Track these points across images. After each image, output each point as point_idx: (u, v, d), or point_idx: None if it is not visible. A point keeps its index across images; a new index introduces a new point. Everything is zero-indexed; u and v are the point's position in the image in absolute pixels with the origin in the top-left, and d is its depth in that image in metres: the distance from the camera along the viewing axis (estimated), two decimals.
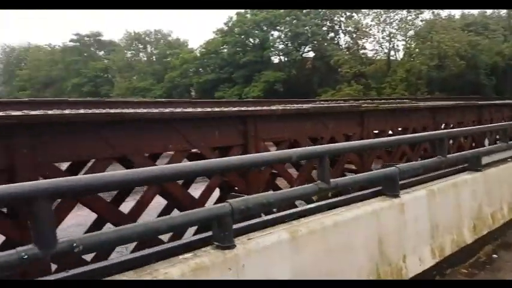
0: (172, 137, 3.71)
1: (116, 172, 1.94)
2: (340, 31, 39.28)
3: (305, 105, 5.34)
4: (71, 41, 53.56)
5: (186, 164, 2.23)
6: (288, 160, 2.33)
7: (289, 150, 2.45)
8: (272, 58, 40.58)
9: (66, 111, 3.14)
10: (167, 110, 3.68)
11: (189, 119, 3.78)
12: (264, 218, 2.50)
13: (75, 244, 1.60)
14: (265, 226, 2.55)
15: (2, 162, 2.73)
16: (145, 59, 50.45)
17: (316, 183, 2.56)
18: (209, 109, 4.04)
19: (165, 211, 4.61)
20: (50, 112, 2.97)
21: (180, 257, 2.12)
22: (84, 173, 3.29)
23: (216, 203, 4.82)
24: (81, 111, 3.24)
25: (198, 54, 42.89)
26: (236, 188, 4.52)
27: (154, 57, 49.36)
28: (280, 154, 2.48)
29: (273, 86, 36.27)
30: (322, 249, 2.70)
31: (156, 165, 3.71)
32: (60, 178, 1.62)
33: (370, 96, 31.57)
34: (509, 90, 36.40)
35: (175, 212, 4.26)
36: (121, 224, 3.31)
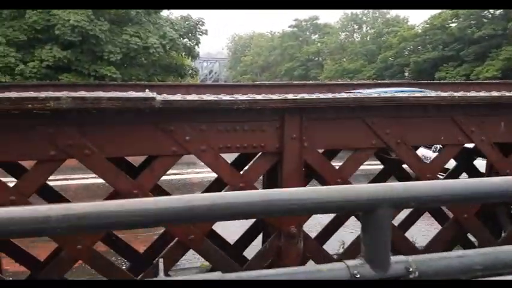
0: (445, 127, 3.02)
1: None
2: None
3: None
4: (290, 26, 57.75)
5: None
6: None
7: None
8: None
9: (329, 95, 2.88)
10: (446, 94, 2.99)
11: (467, 106, 2.99)
12: None
13: (410, 269, 1.19)
14: None
15: (274, 145, 2.69)
16: (358, 39, 49.68)
17: None
18: (497, 93, 3.11)
19: None
20: (321, 96, 2.75)
21: None
22: (342, 164, 2.99)
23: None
24: (345, 95, 2.93)
25: (419, 31, 39.06)
26: None
27: (368, 37, 47.96)
28: None
29: None
30: None
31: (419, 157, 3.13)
32: (406, 183, 1.23)
33: None
34: None
35: None
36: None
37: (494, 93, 3.05)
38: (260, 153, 2.73)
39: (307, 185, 3.31)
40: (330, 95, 2.75)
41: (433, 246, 3.09)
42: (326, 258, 3.03)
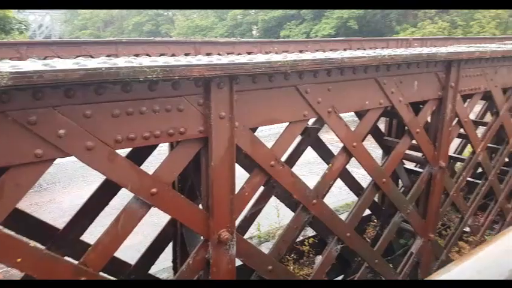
0: (370, 90, 2.74)
1: None
2: None
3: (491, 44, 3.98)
4: None
5: None
6: None
7: None
8: None
9: (261, 57, 2.22)
10: (373, 53, 2.65)
11: (391, 65, 2.75)
12: None
13: None
14: None
15: (196, 128, 1.93)
16: None
17: None
18: (412, 50, 2.94)
19: None
20: (254, 59, 2.05)
21: None
22: (274, 143, 2.43)
23: None
24: (279, 57, 2.29)
25: None
26: None
27: None
28: None
29: (346, 23, 33.30)
30: None
31: None
32: None
33: (456, 35, 27.95)
34: None
35: None
36: None
37: (413, 52, 2.86)
38: (178, 142, 1.94)
39: None
40: (262, 58, 2.08)
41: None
42: (261, 257, 2.50)
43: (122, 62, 1.62)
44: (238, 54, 13.90)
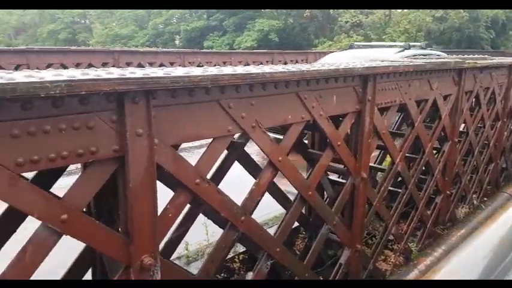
0: (292, 104, 2.75)
1: None
2: None
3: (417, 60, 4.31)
4: None
5: None
6: None
7: None
8: None
9: (179, 71, 2.12)
10: (293, 68, 2.68)
11: (310, 80, 2.81)
12: None
13: None
14: None
15: (110, 147, 1.75)
16: None
17: None
18: (330, 66, 3.05)
19: None
20: (173, 72, 1.93)
21: None
22: (199, 159, 2.33)
23: None
24: (198, 71, 2.20)
25: None
26: None
27: None
28: None
29: (267, 36, 34.33)
30: None
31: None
32: None
33: None
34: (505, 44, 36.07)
35: None
36: None
37: (331, 67, 2.96)
38: (90, 163, 1.75)
39: None
40: (180, 72, 1.98)
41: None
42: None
43: (20, 76, 1.42)
44: (161, 64, 13.54)
